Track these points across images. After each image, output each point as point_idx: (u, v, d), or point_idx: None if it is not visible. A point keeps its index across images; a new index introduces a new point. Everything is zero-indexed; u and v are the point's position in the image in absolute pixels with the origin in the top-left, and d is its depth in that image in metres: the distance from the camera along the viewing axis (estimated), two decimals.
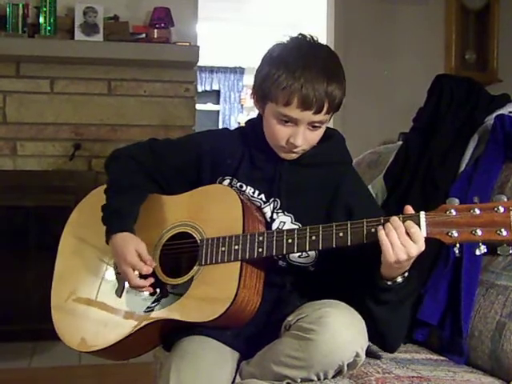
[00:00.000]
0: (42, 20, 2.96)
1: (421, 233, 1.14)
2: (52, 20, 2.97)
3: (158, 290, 1.38)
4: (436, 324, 1.48)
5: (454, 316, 1.44)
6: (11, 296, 2.99)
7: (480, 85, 1.79)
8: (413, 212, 1.17)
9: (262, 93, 1.34)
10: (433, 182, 1.64)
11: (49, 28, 2.97)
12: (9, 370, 2.67)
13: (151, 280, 1.37)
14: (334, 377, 1.21)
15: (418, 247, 1.15)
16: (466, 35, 3.98)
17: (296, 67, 1.27)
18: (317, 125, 1.32)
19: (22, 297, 3.00)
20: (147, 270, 1.36)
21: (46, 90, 3.08)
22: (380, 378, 1.22)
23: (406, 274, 1.22)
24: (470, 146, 1.63)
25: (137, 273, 1.36)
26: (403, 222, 1.16)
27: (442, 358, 1.44)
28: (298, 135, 1.31)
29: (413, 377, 1.24)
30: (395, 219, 1.16)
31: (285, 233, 1.26)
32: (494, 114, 1.60)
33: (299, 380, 1.21)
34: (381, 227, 1.17)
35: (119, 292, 1.42)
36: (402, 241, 1.14)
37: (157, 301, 1.37)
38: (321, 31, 3.88)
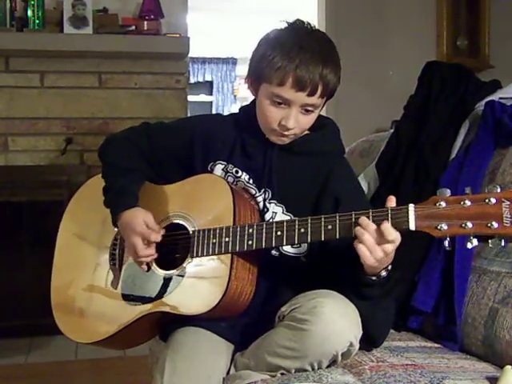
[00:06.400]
0: (30, 13, 2.94)
1: (392, 229, 1.12)
2: (40, 13, 2.95)
3: (152, 282, 1.37)
4: (430, 311, 1.47)
5: (447, 303, 1.44)
6: (6, 292, 2.99)
7: (470, 71, 1.79)
8: (394, 203, 1.15)
9: (257, 74, 1.33)
10: (424, 169, 1.64)
11: (37, 21, 2.94)
12: (6, 366, 2.67)
13: (154, 247, 1.36)
14: (328, 366, 1.21)
15: (393, 244, 1.13)
16: (457, 21, 3.97)
17: (291, 48, 1.26)
18: (310, 108, 1.31)
19: (17, 292, 3.00)
20: (155, 237, 1.35)
21: (37, 85, 3.06)
22: (374, 367, 1.22)
23: (390, 267, 1.21)
24: (461, 133, 1.62)
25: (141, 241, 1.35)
26: (392, 218, 1.13)
27: (436, 345, 1.44)
28: (290, 117, 1.30)
29: (407, 365, 1.24)
30: (363, 219, 1.14)
31: (274, 225, 1.26)
32: (485, 101, 1.60)
33: (293, 370, 1.21)
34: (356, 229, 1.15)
35: (115, 284, 1.43)
36: (376, 240, 1.13)
37: (150, 293, 1.36)
38: (312, 19, 3.86)
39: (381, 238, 1.13)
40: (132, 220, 1.35)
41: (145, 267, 1.38)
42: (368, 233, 1.13)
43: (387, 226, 1.12)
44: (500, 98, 1.61)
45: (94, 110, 3.13)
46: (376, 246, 1.13)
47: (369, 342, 1.27)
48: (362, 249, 1.14)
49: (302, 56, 1.26)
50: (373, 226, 1.13)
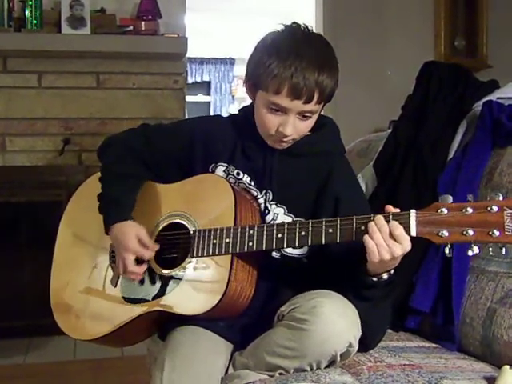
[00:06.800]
0: (27, 14, 2.93)
1: (405, 234, 1.12)
2: (38, 14, 2.94)
3: (151, 281, 1.38)
4: (428, 311, 1.48)
5: (445, 303, 1.44)
6: (5, 292, 2.98)
7: (468, 71, 1.79)
8: (392, 211, 1.15)
9: (254, 80, 1.33)
10: (422, 169, 1.64)
11: (35, 22, 2.94)
12: (4, 366, 2.67)
13: (145, 266, 1.37)
14: (326, 367, 1.21)
15: (402, 248, 1.13)
16: (455, 22, 3.97)
17: (288, 55, 1.26)
18: (307, 114, 1.31)
19: (15, 293, 2.99)
20: (149, 255, 1.36)
21: (34, 85, 3.06)
22: (372, 367, 1.22)
23: (392, 272, 1.22)
24: (458, 133, 1.62)
25: (132, 258, 1.35)
26: (390, 220, 1.13)
27: (434, 345, 1.44)
28: (287, 124, 1.30)
29: (405, 365, 1.24)
30: (380, 218, 1.14)
31: (275, 227, 1.26)
32: (482, 101, 1.60)
33: (292, 370, 1.21)
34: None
35: (114, 282, 1.43)
36: (386, 241, 1.13)
37: (150, 292, 1.37)
38: (310, 19, 3.87)
39: (391, 240, 1.13)
40: (124, 235, 1.36)
41: (136, 279, 1.38)
42: (379, 232, 1.13)
43: (401, 231, 1.12)
44: (498, 98, 1.61)
45: (92, 110, 3.12)
46: (385, 245, 1.13)
47: (361, 344, 1.26)
48: (370, 243, 1.14)
49: (298, 64, 1.25)
50: (387, 228, 1.13)
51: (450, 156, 1.61)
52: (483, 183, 1.49)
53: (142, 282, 1.39)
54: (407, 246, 1.14)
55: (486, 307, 1.37)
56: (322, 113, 1.41)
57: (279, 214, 1.36)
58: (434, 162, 1.64)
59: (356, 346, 1.21)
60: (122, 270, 1.38)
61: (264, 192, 1.38)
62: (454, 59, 3.70)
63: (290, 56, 1.26)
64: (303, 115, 1.31)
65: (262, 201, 1.38)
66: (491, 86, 1.71)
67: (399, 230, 1.12)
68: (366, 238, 1.14)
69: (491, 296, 1.37)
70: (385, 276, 1.21)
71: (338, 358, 1.20)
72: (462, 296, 1.42)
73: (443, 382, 1.15)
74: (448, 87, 1.73)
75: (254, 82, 1.33)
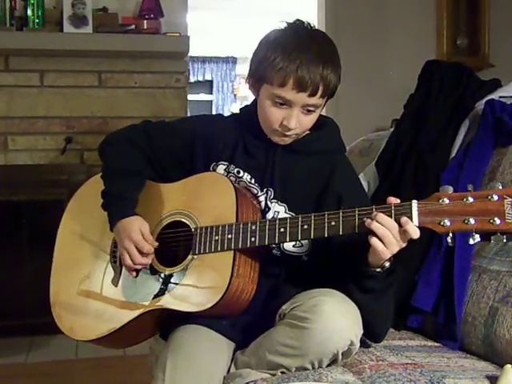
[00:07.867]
0: (29, 12, 2.94)
1: (416, 228, 1.13)
2: (40, 12, 2.94)
3: (152, 280, 1.38)
4: (430, 310, 1.48)
5: (447, 302, 1.44)
6: (6, 291, 2.98)
7: (470, 70, 1.78)
8: (394, 202, 1.16)
9: (258, 75, 1.34)
10: (424, 168, 1.64)
11: (37, 21, 2.94)
12: (6, 366, 2.67)
13: (152, 257, 1.37)
14: (328, 365, 1.21)
15: (410, 238, 1.15)
16: (457, 20, 3.97)
17: (292, 49, 1.27)
18: (311, 108, 1.32)
19: (17, 292, 2.99)
20: (148, 248, 1.36)
21: (36, 84, 3.06)
22: (374, 366, 1.22)
23: (392, 259, 1.22)
24: (460, 132, 1.62)
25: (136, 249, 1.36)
26: (395, 214, 1.14)
27: (436, 344, 1.44)
28: (291, 118, 1.31)
29: (407, 364, 1.24)
30: (389, 220, 1.14)
31: (277, 222, 1.26)
32: (484, 100, 1.60)
33: (294, 369, 1.21)
34: (369, 221, 1.15)
35: (115, 281, 1.43)
36: (396, 236, 1.14)
37: (151, 290, 1.37)
38: (312, 18, 3.86)
39: (400, 235, 1.14)
40: (128, 227, 1.36)
41: (134, 273, 1.39)
42: (386, 228, 1.14)
43: (411, 225, 1.12)
44: (500, 97, 1.61)
45: (93, 109, 3.12)
46: (394, 240, 1.14)
47: (371, 337, 1.27)
48: (376, 243, 1.15)
49: (303, 57, 1.26)
50: (393, 222, 1.14)
51: (453, 155, 1.61)
52: (485, 182, 1.49)
53: (143, 281, 1.39)
54: (416, 236, 1.14)
55: (488, 306, 1.37)
56: (323, 113, 1.41)
57: (280, 212, 1.37)
58: (434, 162, 1.64)
59: (357, 345, 1.21)
60: (127, 261, 1.37)
61: (265, 189, 1.38)
62: (456, 58, 3.70)
63: (294, 50, 1.27)
64: (307, 109, 1.32)
65: (262, 199, 1.38)
66: (493, 84, 1.71)
67: (409, 224, 1.13)
68: (375, 241, 1.15)
69: (493, 295, 1.37)
70: (387, 264, 1.22)
71: (340, 357, 1.20)
72: (464, 295, 1.42)
73: (445, 380, 1.15)
74: (450, 86, 1.73)
75: (258, 77, 1.34)
